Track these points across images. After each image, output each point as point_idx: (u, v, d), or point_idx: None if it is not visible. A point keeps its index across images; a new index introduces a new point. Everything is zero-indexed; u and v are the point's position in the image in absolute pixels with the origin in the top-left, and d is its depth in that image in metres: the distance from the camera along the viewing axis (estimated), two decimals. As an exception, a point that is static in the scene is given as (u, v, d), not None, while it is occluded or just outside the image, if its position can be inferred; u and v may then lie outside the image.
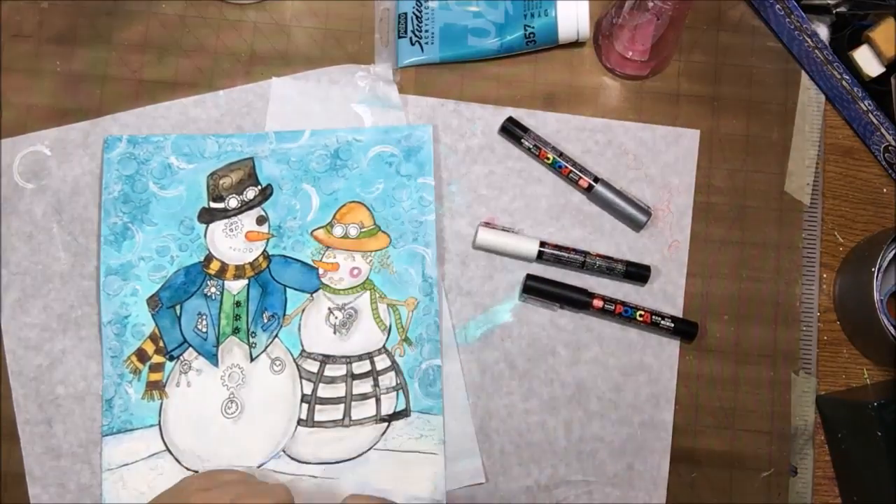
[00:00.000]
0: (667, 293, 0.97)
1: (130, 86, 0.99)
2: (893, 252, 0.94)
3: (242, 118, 0.98)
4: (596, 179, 0.97)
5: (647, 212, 0.97)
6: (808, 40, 0.96)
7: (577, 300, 0.95)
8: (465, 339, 0.95)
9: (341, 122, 0.98)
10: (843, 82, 0.96)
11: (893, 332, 0.91)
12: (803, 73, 1.01)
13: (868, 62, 0.97)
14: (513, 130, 0.98)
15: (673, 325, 0.95)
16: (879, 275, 0.92)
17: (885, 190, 1.00)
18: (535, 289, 0.95)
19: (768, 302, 0.98)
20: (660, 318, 0.95)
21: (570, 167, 0.97)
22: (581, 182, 0.97)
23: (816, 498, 0.96)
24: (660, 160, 0.99)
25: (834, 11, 0.98)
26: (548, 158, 0.97)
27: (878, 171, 1.00)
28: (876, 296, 0.92)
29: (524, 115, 0.99)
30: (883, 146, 0.97)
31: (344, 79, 0.99)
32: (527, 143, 0.97)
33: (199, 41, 1.00)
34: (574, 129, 0.99)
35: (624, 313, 0.95)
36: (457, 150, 0.99)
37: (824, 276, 0.99)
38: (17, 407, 0.93)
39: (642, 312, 0.95)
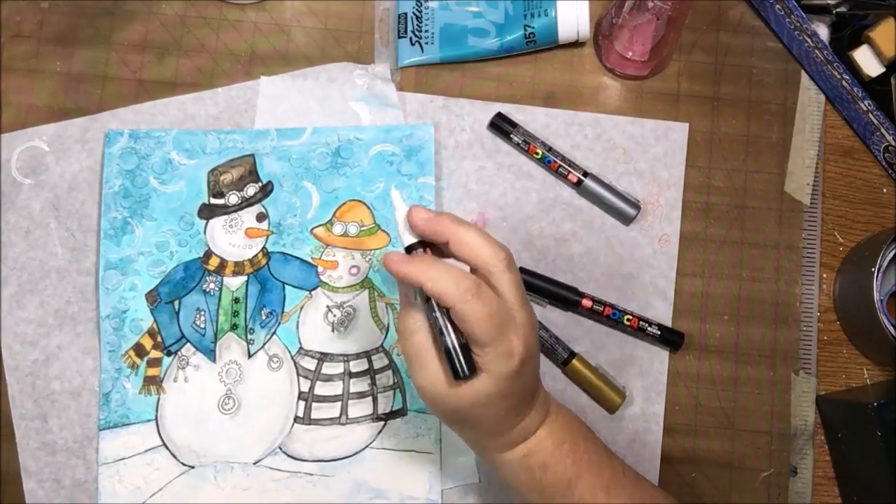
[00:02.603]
0: (657, 287, 0.97)
1: (130, 86, 0.99)
2: (893, 252, 0.93)
3: (241, 115, 0.98)
4: (585, 174, 0.97)
5: (636, 206, 0.97)
6: (808, 40, 0.97)
7: (566, 298, 0.95)
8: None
9: (339, 120, 0.98)
10: (843, 82, 0.96)
11: (893, 332, 0.91)
12: (803, 73, 1.01)
13: (868, 62, 0.97)
14: (501, 126, 0.98)
15: (659, 332, 0.95)
16: (879, 275, 0.92)
17: (885, 190, 1.00)
18: (525, 282, 0.94)
19: (768, 302, 0.98)
20: (647, 325, 0.95)
21: (559, 162, 0.97)
22: (570, 177, 0.97)
23: (816, 498, 0.95)
24: (649, 154, 0.99)
25: (834, 11, 0.98)
26: (537, 153, 0.97)
27: (878, 171, 1.00)
28: (876, 296, 0.91)
29: (513, 111, 0.99)
30: (883, 146, 0.97)
31: (342, 77, 0.99)
32: (516, 139, 0.97)
33: (199, 41, 1.00)
34: (563, 124, 0.99)
35: (612, 316, 0.95)
36: (447, 146, 0.99)
37: (824, 276, 0.99)
38: (13, 402, 0.93)
39: (630, 317, 0.95)
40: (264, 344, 0.94)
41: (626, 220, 0.97)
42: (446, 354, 0.70)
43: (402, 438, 0.93)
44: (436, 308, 0.71)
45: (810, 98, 1.01)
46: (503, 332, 0.69)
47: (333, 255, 0.96)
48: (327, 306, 0.95)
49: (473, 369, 0.70)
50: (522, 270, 0.95)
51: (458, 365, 0.69)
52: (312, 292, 0.95)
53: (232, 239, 0.95)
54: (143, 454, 0.92)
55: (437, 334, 0.71)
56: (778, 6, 0.97)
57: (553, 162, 0.97)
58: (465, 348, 0.70)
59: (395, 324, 0.81)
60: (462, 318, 0.68)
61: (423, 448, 0.93)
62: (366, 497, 0.92)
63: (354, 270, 0.96)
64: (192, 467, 0.92)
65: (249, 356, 0.94)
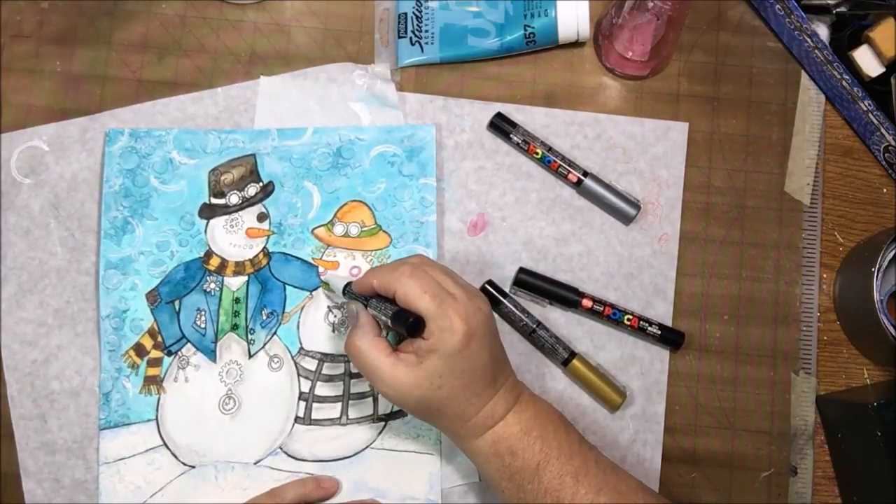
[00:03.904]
0: (657, 286, 0.97)
1: (130, 86, 0.99)
2: (893, 252, 0.93)
3: (240, 115, 0.98)
4: (585, 174, 0.97)
5: (636, 205, 0.97)
6: (808, 40, 0.97)
7: (566, 298, 0.95)
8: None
9: (338, 119, 0.98)
10: (843, 82, 0.96)
11: (893, 332, 0.91)
12: (803, 73, 1.01)
13: (868, 62, 0.97)
14: (501, 126, 0.98)
15: (660, 332, 0.95)
16: (879, 275, 0.92)
17: (885, 190, 1.00)
18: (525, 282, 0.95)
19: (768, 302, 0.98)
20: (647, 325, 0.95)
21: (559, 162, 0.97)
22: (570, 176, 0.97)
23: (816, 498, 0.95)
24: (649, 153, 0.99)
25: (834, 11, 0.98)
26: (537, 153, 0.97)
27: (878, 171, 1.00)
28: (876, 296, 0.91)
29: (513, 111, 0.99)
30: (883, 146, 0.97)
31: (342, 77, 0.99)
32: (515, 139, 0.97)
33: (199, 41, 1.00)
34: (563, 124, 0.99)
35: (612, 316, 0.95)
36: (447, 147, 0.99)
37: (824, 276, 0.99)
38: (12, 402, 0.93)
39: (630, 317, 0.95)
40: (265, 344, 0.94)
41: (626, 219, 0.97)
42: (394, 321, 0.79)
43: (402, 439, 0.93)
44: (376, 303, 0.82)
45: (810, 98, 1.01)
46: (443, 308, 0.77)
47: (334, 256, 0.96)
48: (328, 307, 0.95)
49: (419, 323, 0.78)
50: (522, 270, 0.96)
51: (404, 319, 0.78)
52: (313, 293, 0.95)
53: (233, 239, 0.95)
54: (143, 454, 0.91)
55: (384, 325, 0.82)
56: (778, 6, 0.97)
57: (553, 162, 0.97)
58: (407, 312, 0.78)
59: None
60: (404, 298, 0.78)
61: (424, 448, 0.93)
62: (366, 497, 0.92)
63: (356, 271, 0.95)
64: (193, 467, 0.92)
65: (250, 356, 0.94)
